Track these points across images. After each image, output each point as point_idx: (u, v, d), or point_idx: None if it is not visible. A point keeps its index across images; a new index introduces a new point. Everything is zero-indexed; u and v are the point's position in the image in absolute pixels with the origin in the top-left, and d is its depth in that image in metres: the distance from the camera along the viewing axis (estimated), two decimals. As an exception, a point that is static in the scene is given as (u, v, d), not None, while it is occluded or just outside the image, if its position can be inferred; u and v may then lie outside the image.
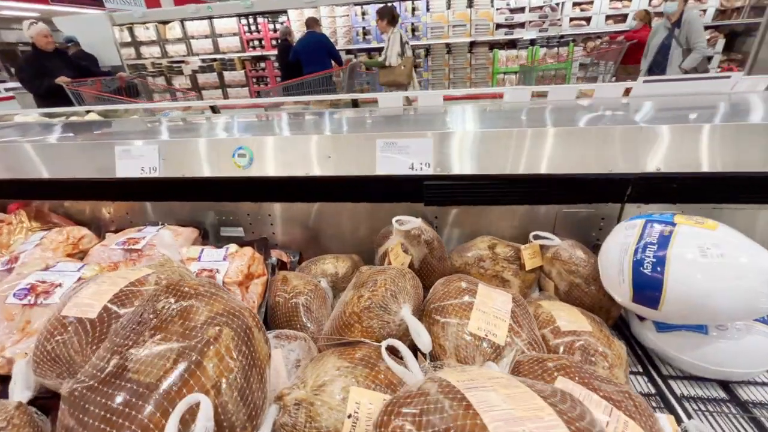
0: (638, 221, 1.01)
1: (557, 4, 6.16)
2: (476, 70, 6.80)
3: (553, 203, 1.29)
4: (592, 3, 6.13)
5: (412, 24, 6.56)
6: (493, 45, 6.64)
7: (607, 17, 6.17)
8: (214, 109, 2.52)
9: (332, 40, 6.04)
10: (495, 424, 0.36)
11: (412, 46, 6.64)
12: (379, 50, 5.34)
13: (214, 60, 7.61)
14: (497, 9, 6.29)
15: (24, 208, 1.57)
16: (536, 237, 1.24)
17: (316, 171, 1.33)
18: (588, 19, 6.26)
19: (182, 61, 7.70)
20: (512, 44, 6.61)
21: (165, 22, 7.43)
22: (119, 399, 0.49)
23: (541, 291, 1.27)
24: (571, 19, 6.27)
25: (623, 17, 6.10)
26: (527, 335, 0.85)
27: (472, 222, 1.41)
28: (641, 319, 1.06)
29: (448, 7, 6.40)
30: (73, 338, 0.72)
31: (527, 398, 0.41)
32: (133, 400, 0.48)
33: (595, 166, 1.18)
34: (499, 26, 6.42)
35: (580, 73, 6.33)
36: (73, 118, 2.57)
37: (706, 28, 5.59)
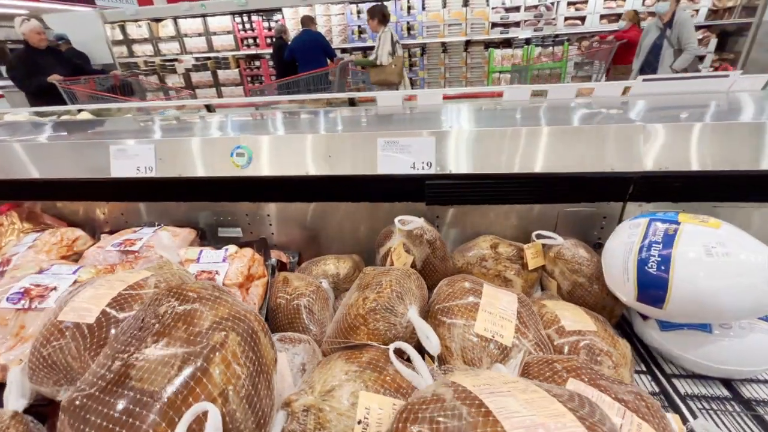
0: (642, 220, 1.01)
1: (552, 4, 6.19)
2: (472, 69, 6.81)
3: (556, 202, 1.29)
4: (586, 2, 6.17)
5: (408, 23, 6.54)
6: (488, 44, 6.65)
7: (602, 17, 6.22)
8: (209, 108, 2.49)
9: (327, 39, 6.00)
10: (516, 431, 0.35)
11: (407, 44, 6.65)
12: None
13: (208, 58, 7.53)
14: (493, 8, 6.30)
15: (15, 208, 1.53)
16: (539, 236, 1.23)
17: (316, 170, 1.31)
18: (582, 19, 6.29)
19: (175, 60, 7.61)
20: (508, 43, 6.63)
21: (158, 20, 7.33)
22: (122, 408, 0.47)
23: (544, 290, 1.26)
24: (566, 19, 6.31)
25: (617, 17, 6.13)
26: (534, 336, 0.84)
27: (473, 221, 1.40)
28: (644, 318, 1.06)
29: (444, 6, 6.39)
30: (70, 344, 0.70)
31: (546, 403, 0.40)
32: (137, 409, 0.46)
33: (598, 165, 1.18)
34: (494, 25, 6.43)
35: (574, 72, 6.36)
36: (64, 117, 2.52)
37: (699, 27, 5.66)
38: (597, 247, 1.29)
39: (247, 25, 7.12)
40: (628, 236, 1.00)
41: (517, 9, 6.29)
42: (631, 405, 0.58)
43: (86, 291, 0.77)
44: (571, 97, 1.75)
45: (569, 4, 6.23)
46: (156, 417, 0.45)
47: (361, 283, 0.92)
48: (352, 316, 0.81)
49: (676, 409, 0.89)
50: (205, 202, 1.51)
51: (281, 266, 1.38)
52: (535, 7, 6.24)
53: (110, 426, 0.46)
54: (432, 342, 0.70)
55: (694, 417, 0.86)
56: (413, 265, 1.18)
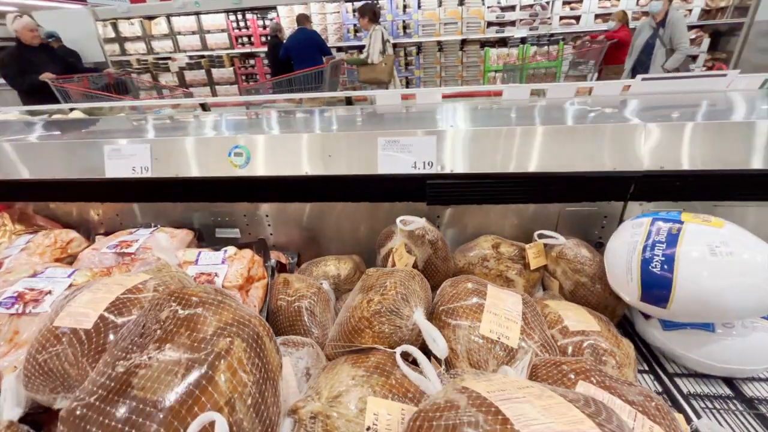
0: (645, 219, 1.01)
1: (547, 3, 6.21)
2: (468, 67, 6.81)
3: (557, 201, 1.29)
4: (581, 2, 6.20)
5: (404, 21, 6.52)
6: (484, 43, 6.66)
7: (596, 16, 6.25)
8: (205, 107, 2.45)
9: (323, 37, 5.96)
10: (536, 439, 0.34)
11: (403, 43, 6.63)
12: (370, 48, 5.29)
13: (202, 57, 7.45)
14: (488, 7, 6.31)
15: (6, 210, 1.49)
16: (541, 236, 1.23)
17: (316, 170, 1.30)
18: (577, 18, 6.32)
19: (169, 58, 7.52)
20: (503, 42, 6.63)
21: (150, 18, 7.23)
22: (124, 418, 0.45)
23: (546, 290, 1.26)
24: (561, 18, 6.33)
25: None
26: (539, 337, 0.83)
27: (474, 221, 1.39)
28: (646, 317, 1.06)
29: (440, 5, 6.38)
30: (67, 350, 0.67)
31: (564, 410, 0.39)
32: (140, 419, 0.45)
33: (599, 164, 1.17)
34: (490, 24, 6.44)
35: (569, 71, 6.39)
36: (56, 116, 2.47)
37: (692, 27, 5.71)
38: (598, 246, 1.29)
39: (242, 23, 7.05)
40: (631, 236, 1.00)
41: (512, 8, 6.31)
42: (641, 407, 0.57)
43: (83, 295, 0.75)
44: (569, 96, 1.75)
45: (564, 3, 6.25)
46: (161, 428, 0.44)
47: (364, 284, 0.90)
48: (357, 318, 0.80)
49: (680, 409, 0.89)
50: (202, 202, 1.48)
51: (280, 267, 1.37)
52: (531, 6, 6.25)
53: (112, 437, 0.44)
54: (439, 345, 0.68)
55: (698, 416, 0.86)
56: (415, 266, 1.17)
